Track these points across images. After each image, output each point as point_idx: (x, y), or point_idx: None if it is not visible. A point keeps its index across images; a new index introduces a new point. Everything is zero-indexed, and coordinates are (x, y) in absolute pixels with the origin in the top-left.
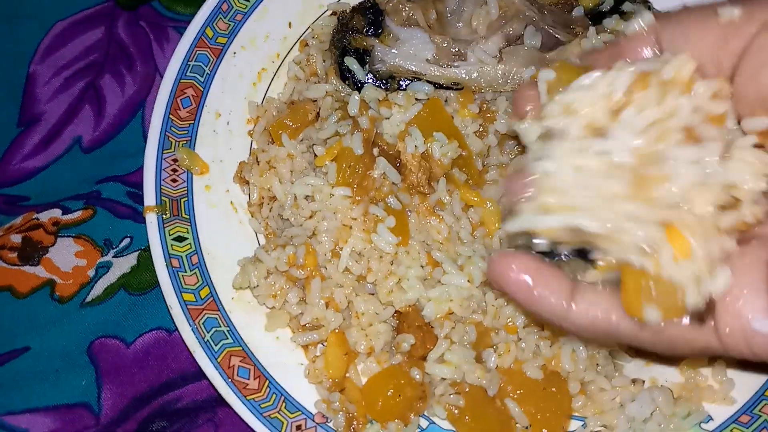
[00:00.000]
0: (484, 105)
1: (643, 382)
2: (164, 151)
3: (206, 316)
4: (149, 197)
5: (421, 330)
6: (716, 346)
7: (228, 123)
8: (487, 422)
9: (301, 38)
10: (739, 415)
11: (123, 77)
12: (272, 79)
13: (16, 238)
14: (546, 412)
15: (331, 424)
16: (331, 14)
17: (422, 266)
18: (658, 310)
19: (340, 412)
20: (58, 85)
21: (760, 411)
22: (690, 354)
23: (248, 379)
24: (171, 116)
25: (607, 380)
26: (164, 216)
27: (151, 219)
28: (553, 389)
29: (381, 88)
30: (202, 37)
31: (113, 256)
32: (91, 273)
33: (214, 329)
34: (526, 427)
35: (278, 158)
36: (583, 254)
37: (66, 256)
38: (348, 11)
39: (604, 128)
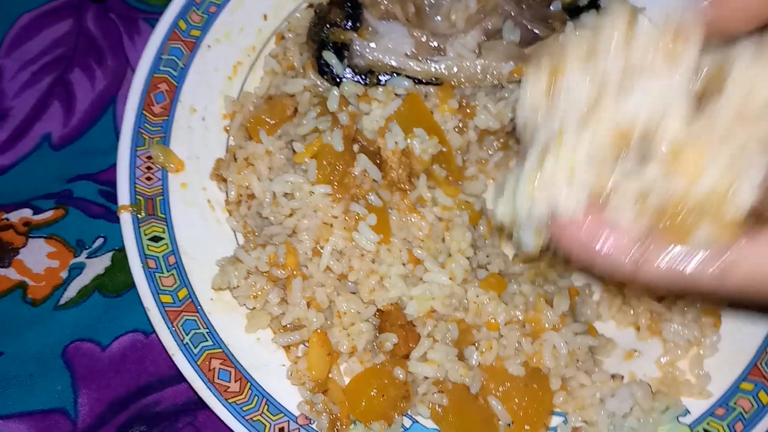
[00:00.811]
0: (464, 100)
1: (623, 377)
2: (138, 148)
3: (185, 317)
4: (123, 196)
5: (404, 329)
6: None
7: (203, 119)
8: (471, 420)
9: (277, 31)
10: (715, 408)
11: (93, 71)
12: (248, 73)
13: None
14: (528, 408)
15: (314, 426)
16: (308, 6)
17: (404, 264)
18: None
19: (324, 413)
20: (25, 80)
21: (735, 404)
22: None
23: (229, 381)
24: (144, 112)
25: (588, 376)
26: (139, 215)
27: (126, 218)
28: (535, 386)
29: (360, 83)
30: (175, 29)
31: (86, 257)
32: (63, 275)
33: (193, 331)
34: (509, 424)
35: (256, 155)
36: None
37: (38, 258)
38: (325, 3)
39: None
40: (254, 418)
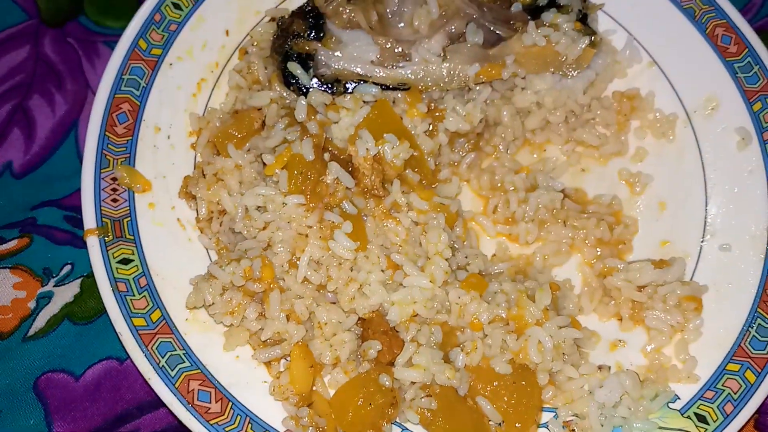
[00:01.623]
0: (432, 104)
1: (609, 368)
2: (102, 170)
3: (159, 340)
4: (89, 219)
5: (387, 335)
6: None
7: (169, 137)
8: (461, 423)
9: (240, 46)
10: (704, 392)
11: (53, 96)
12: (213, 89)
13: None
14: (518, 406)
15: None
16: (270, 20)
17: (383, 270)
18: None
19: (310, 428)
20: None
21: (723, 385)
22: None
23: (209, 402)
24: (107, 133)
25: (574, 369)
26: (106, 238)
27: (93, 242)
28: (523, 383)
29: (327, 92)
30: (136, 49)
31: (54, 285)
32: (31, 305)
33: (169, 353)
34: (500, 424)
35: (225, 170)
36: None
37: (3, 289)
38: (287, 16)
39: None
40: None
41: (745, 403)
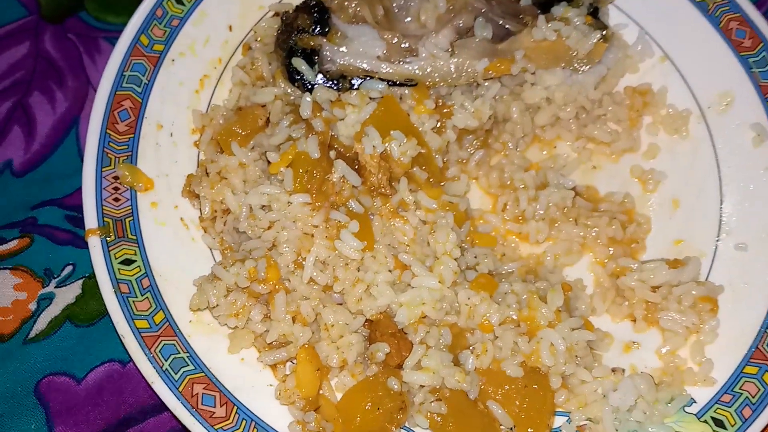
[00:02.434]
0: (440, 100)
1: (623, 370)
2: (103, 169)
3: (163, 343)
4: (90, 219)
5: (395, 337)
6: None
7: (171, 134)
8: (471, 427)
9: (244, 41)
10: (721, 395)
11: (53, 93)
12: (216, 86)
13: None
14: (530, 410)
15: None
16: (274, 15)
17: (390, 271)
18: None
19: None
20: None
21: (740, 389)
22: None
23: (214, 406)
24: (108, 131)
25: (588, 371)
26: (108, 238)
27: (94, 243)
28: (535, 386)
29: (332, 88)
30: (137, 45)
31: (55, 287)
32: (32, 306)
33: (172, 356)
34: (511, 429)
35: (229, 168)
36: None
37: (4, 291)
38: (291, 11)
39: None
40: None
41: (765, 407)
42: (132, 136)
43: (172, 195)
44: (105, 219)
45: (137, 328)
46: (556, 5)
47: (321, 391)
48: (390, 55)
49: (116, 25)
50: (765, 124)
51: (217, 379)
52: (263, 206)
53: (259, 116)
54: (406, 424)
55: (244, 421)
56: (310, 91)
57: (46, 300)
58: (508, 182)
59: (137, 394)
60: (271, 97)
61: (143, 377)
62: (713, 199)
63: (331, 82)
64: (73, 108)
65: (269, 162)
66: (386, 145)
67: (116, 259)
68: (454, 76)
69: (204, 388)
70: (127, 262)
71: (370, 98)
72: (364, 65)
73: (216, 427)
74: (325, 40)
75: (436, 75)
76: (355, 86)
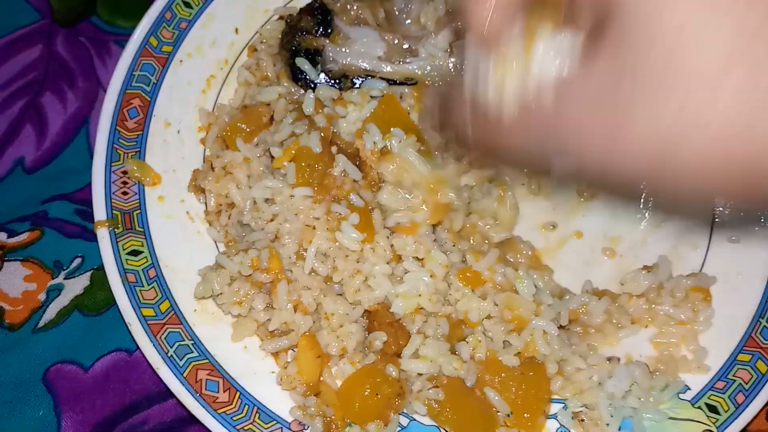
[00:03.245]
0: None
1: (619, 359)
2: (113, 164)
3: (168, 330)
4: (99, 211)
5: (393, 326)
6: None
7: (179, 132)
8: (469, 413)
9: (249, 43)
10: (715, 382)
11: (64, 94)
12: (222, 86)
13: None
14: (526, 397)
15: (308, 431)
16: (278, 18)
17: (388, 263)
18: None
19: (317, 417)
20: None
21: (734, 376)
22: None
23: (217, 392)
24: (118, 127)
25: (583, 359)
26: (116, 230)
27: (103, 234)
28: (531, 373)
29: (335, 87)
30: (146, 46)
31: (64, 278)
32: (42, 297)
33: (177, 343)
34: (508, 415)
35: (234, 163)
36: None
37: (14, 281)
38: (296, 13)
39: None
40: (245, 428)
41: (757, 393)
42: (141, 132)
43: (178, 189)
44: (114, 212)
45: (144, 316)
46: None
47: (321, 378)
48: (390, 56)
49: (126, 29)
50: None
51: (220, 365)
52: (266, 199)
53: (263, 114)
54: (405, 411)
55: (246, 406)
56: (313, 89)
57: (55, 291)
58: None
59: (143, 382)
60: (275, 96)
61: (149, 364)
62: None
63: (333, 81)
64: (83, 108)
65: (273, 157)
66: (386, 141)
67: (124, 249)
68: (453, 74)
69: (208, 374)
70: (135, 252)
71: (371, 97)
72: (365, 65)
73: (219, 411)
74: (327, 41)
75: (435, 74)
76: (357, 85)
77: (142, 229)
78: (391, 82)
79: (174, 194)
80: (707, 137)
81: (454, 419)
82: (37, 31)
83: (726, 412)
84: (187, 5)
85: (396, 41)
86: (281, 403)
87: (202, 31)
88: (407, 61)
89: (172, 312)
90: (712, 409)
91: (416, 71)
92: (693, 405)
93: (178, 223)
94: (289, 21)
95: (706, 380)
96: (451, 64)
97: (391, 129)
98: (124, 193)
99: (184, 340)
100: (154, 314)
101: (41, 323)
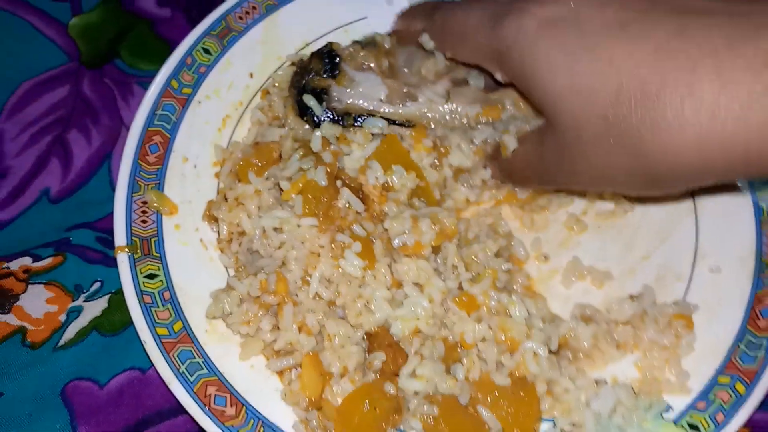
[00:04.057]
0: (437, 141)
1: (606, 381)
2: (134, 194)
3: (180, 348)
4: (120, 237)
5: (392, 348)
6: None
7: (195, 166)
8: (462, 429)
9: (263, 87)
10: (696, 402)
11: (89, 131)
12: (236, 125)
13: None
14: (517, 415)
15: None
16: (290, 64)
17: (388, 288)
18: None
19: (318, 430)
20: (26, 141)
21: (714, 396)
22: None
23: (225, 406)
24: (140, 161)
25: (571, 381)
26: (135, 255)
27: (123, 258)
28: (522, 393)
29: (338, 123)
30: (168, 88)
31: (84, 301)
32: (62, 318)
33: (188, 361)
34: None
35: (246, 195)
36: None
37: (37, 303)
38: (307, 58)
39: None
40: None
41: (735, 413)
42: (160, 166)
43: (193, 219)
44: (133, 238)
45: (158, 335)
46: None
47: (323, 395)
48: (391, 99)
49: (148, 71)
50: None
51: (228, 382)
52: (275, 228)
53: (273, 150)
54: (402, 427)
55: (252, 421)
56: (318, 125)
57: (75, 312)
58: None
59: (155, 399)
60: (284, 133)
61: (162, 380)
62: (690, 228)
63: (336, 118)
64: (106, 143)
65: (281, 190)
66: (388, 177)
67: (141, 273)
68: (448, 118)
69: (216, 390)
70: (151, 276)
71: (372, 135)
72: (367, 105)
73: (226, 424)
74: (334, 82)
75: (433, 117)
76: (359, 123)
77: (158, 255)
78: (391, 122)
79: (189, 223)
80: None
81: None
82: (66, 73)
83: (707, 429)
84: (207, 52)
85: (397, 86)
86: (285, 417)
87: (220, 75)
88: (407, 104)
89: (185, 332)
90: (694, 427)
91: (415, 113)
92: (675, 424)
93: (192, 249)
94: (300, 63)
95: (688, 401)
96: (447, 110)
97: (393, 166)
98: (143, 222)
99: (195, 358)
100: (168, 333)
101: (61, 342)
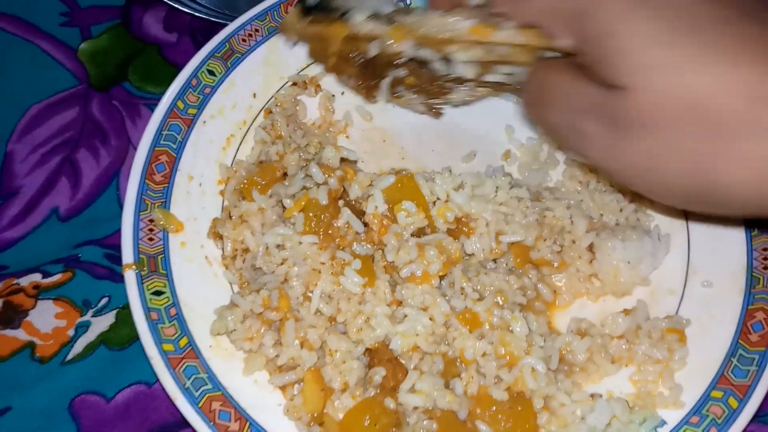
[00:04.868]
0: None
1: (601, 395)
2: (141, 213)
3: (186, 364)
4: (127, 255)
5: (391, 363)
6: None
7: (200, 185)
8: None
9: (266, 107)
10: (690, 417)
11: (98, 150)
12: (240, 144)
13: None
14: (515, 429)
15: None
16: (292, 84)
17: (388, 305)
18: None
19: None
20: (35, 161)
21: (707, 411)
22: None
23: (229, 421)
24: (147, 180)
25: (567, 395)
26: (142, 272)
27: (130, 275)
28: (519, 408)
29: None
30: (174, 109)
31: (92, 316)
32: (71, 333)
33: (193, 376)
34: None
35: (250, 212)
36: None
37: (46, 318)
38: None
39: None
40: None
41: (729, 427)
42: (167, 185)
43: (199, 236)
44: (140, 255)
45: (164, 351)
46: None
47: (325, 410)
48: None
49: (155, 94)
50: None
51: (232, 397)
52: (278, 245)
53: (276, 169)
54: None
55: None
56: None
57: (83, 327)
58: None
59: (160, 413)
60: (288, 152)
61: (167, 394)
62: (682, 244)
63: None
64: (114, 163)
65: (284, 207)
66: (397, 213)
67: (148, 290)
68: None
69: (221, 405)
70: (158, 293)
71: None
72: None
73: None
74: None
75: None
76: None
77: (165, 272)
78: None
79: (195, 240)
80: None
81: None
82: (75, 95)
83: None
84: (211, 73)
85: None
86: None
87: (224, 96)
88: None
89: (190, 347)
90: None
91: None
92: None
93: (197, 266)
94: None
95: (682, 415)
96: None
97: (402, 202)
98: (150, 239)
99: (200, 373)
100: (174, 349)
101: (69, 356)
